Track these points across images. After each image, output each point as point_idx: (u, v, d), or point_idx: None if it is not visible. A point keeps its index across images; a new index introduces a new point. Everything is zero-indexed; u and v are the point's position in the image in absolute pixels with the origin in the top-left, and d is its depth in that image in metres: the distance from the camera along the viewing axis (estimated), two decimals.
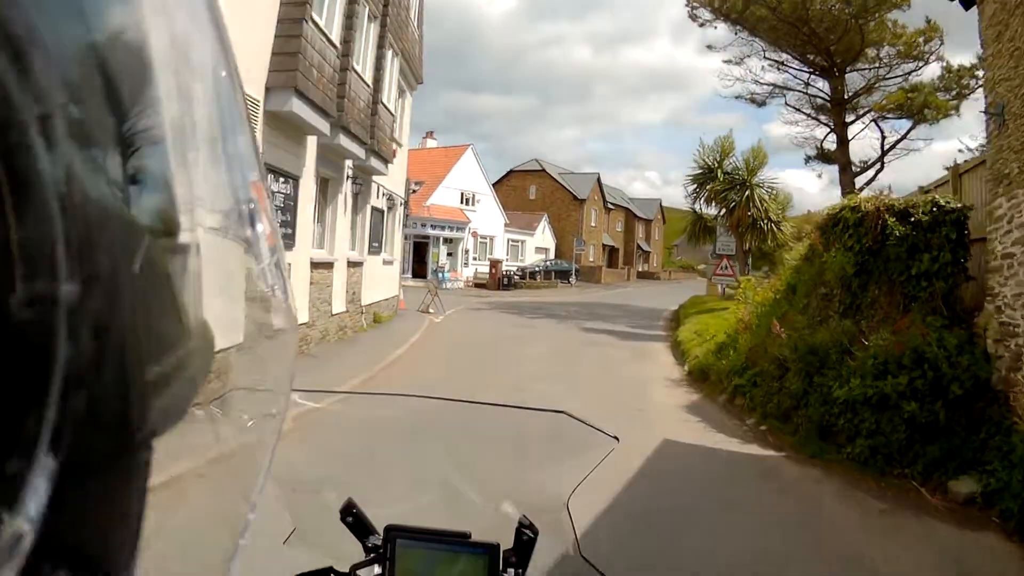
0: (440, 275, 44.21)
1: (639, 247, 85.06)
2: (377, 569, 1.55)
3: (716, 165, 28.14)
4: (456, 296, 37.83)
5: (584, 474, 1.66)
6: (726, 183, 27.42)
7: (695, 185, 29.00)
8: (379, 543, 1.55)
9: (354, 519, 1.58)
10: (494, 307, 31.01)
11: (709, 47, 38.14)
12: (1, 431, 0.31)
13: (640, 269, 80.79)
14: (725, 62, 37.43)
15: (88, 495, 0.37)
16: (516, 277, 48.62)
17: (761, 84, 36.54)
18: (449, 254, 47.54)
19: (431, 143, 53.46)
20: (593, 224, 69.35)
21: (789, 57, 33.72)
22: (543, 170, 68.43)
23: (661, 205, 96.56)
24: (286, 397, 0.64)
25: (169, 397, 0.44)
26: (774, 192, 28.00)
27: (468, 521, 1.54)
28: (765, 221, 26.95)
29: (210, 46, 0.52)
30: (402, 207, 23.31)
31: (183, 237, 0.46)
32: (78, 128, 0.36)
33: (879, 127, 32.29)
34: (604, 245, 73.11)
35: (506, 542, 1.51)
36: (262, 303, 0.59)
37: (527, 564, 1.53)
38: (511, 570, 1.53)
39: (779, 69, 34.76)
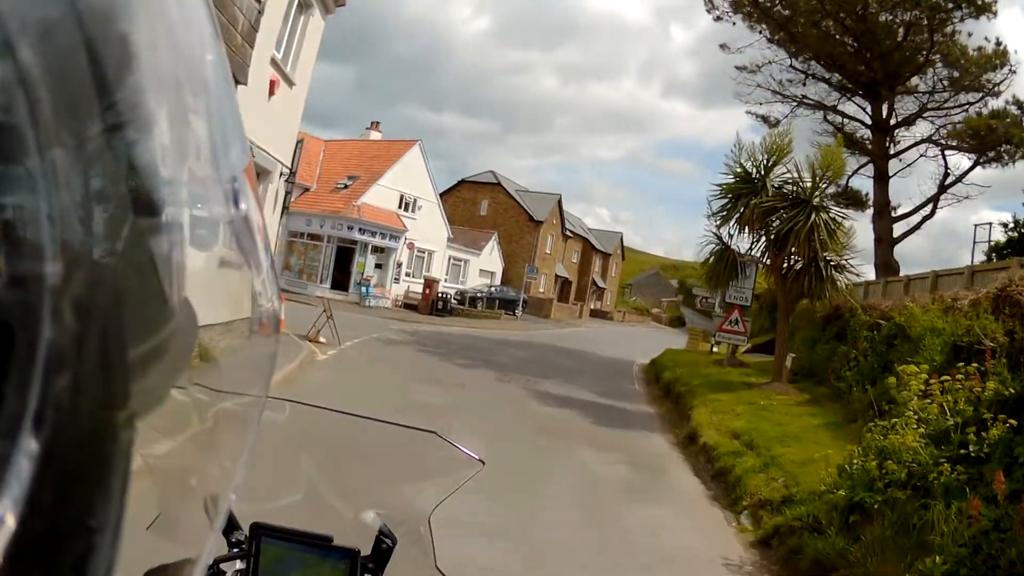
0: (364, 289, 37.10)
1: (594, 282, 78.52)
2: (239, 564, 1.52)
3: (763, 173, 18.52)
4: (375, 317, 31.36)
5: (447, 492, 1.72)
6: (777, 199, 18.01)
7: (727, 199, 18.91)
8: (243, 539, 1.52)
9: None
10: (416, 341, 23.99)
11: (723, 46, 32.40)
12: None
13: (593, 306, 74.16)
14: (739, 68, 32.02)
15: (71, 476, 0.37)
16: (454, 302, 41.80)
17: (784, 98, 30.38)
18: (378, 266, 40.09)
19: (375, 135, 46.10)
20: (548, 251, 62.43)
21: (820, 68, 27.37)
22: (499, 183, 61.34)
23: (622, 240, 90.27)
24: (267, 379, 0.65)
25: (152, 378, 0.45)
26: (840, 221, 18.17)
27: (330, 526, 1.54)
28: (825, 264, 17.83)
29: (197, 26, 0.52)
30: (283, 179, 15.66)
31: (166, 217, 0.46)
32: (62, 108, 0.36)
33: (944, 160, 25.13)
34: (557, 276, 66.24)
35: (365, 549, 1.51)
36: (243, 284, 0.60)
37: (383, 571, 1.54)
38: None
39: (805, 82, 28.43)
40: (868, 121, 28.89)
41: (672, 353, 28.38)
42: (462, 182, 62.68)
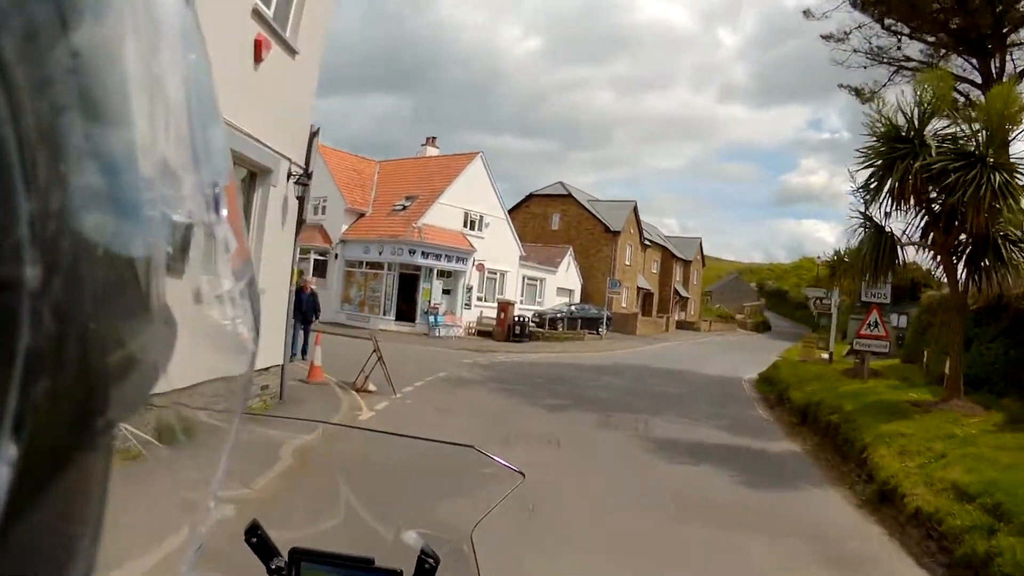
0: (432, 318, 33.47)
1: (676, 292, 73.77)
2: None
3: (916, 127, 13.43)
4: (445, 349, 27.92)
5: (488, 507, 1.66)
6: (946, 158, 12.81)
7: (877, 166, 13.82)
8: (283, 566, 1.50)
9: (258, 540, 1.52)
10: (492, 378, 20.09)
11: (806, 13, 29.53)
12: None
13: (677, 318, 69.42)
14: (825, 37, 29.13)
15: (49, 482, 0.37)
16: (532, 325, 37.94)
17: (883, 62, 26.26)
18: (446, 291, 36.51)
19: (432, 151, 42.60)
20: (628, 263, 58.11)
21: (911, 28, 23.52)
22: (569, 195, 57.36)
23: (701, 245, 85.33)
24: (244, 388, 0.64)
25: (131, 384, 0.44)
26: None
27: (372, 548, 1.53)
28: (1003, 241, 13.09)
29: (177, 24, 0.52)
30: (294, 182, 11.74)
31: (146, 221, 0.46)
32: (43, 112, 0.36)
33: None
34: (639, 288, 61.73)
35: (408, 570, 1.48)
36: (219, 301, 0.60)
37: None
38: None
39: (900, 45, 24.49)
40: (978, 79, 25.20)
41: (787, 366, 24.58)
42: (530, 196, 58.92)
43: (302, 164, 11.70)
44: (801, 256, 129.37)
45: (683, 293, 76.60)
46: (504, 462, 1.73)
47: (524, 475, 1.68)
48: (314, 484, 2.05)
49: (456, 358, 24.52)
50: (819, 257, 74.41)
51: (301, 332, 18.70)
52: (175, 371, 0.51)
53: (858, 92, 29.37)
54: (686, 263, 78.05)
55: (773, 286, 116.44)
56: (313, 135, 11.99)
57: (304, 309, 18.56)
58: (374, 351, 14.15)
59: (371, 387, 13.78)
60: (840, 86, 30.32)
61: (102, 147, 0.41)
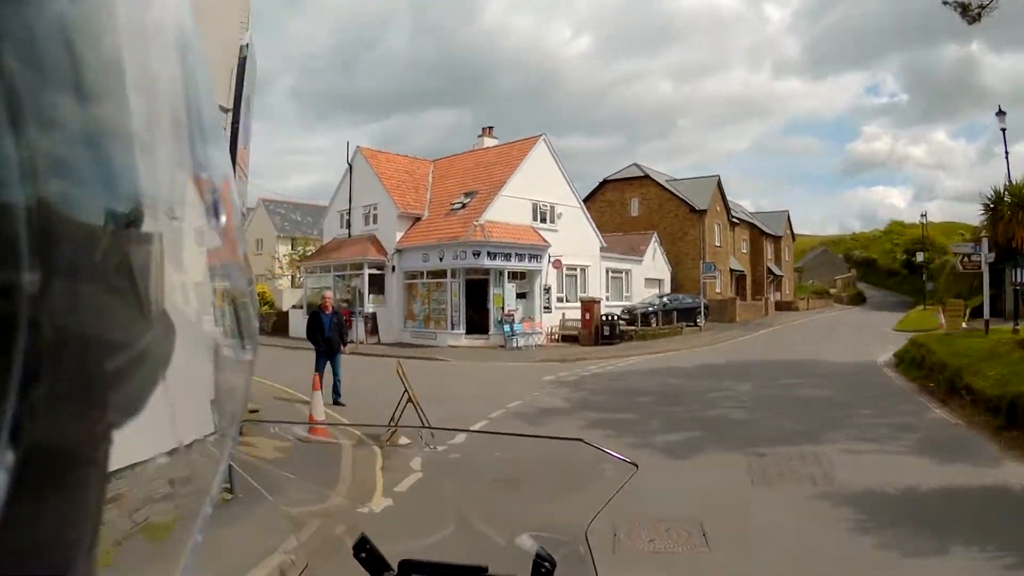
0: (507, 327, 28.79)
1: (770, 271, 67.81)
2: None
3: None
4: (524, 363, 23.79)
5: (602, 503, 1.58)
6: None
7: None
8: None
9: (368, 555, 1.54)
10: (581, 404, 15.35)
11: None
12: None
13: (773, 298, 63.54)
14: None
15: (47, 487, 0.37)
16: (622, 323, 32.94)
17: None
18: (521, 295, 31.95)
19: (489, 142, 38.11)
20: (717, 243, 52.62)
21: None
22: (646, 176, 52.20)
23: (789, 219, 79.01)
24: (243, 395, 0.64)
25: (130, 388, 0.44)
26: None
27: (485, 555, 1.52)
28: None
29: (177, 30, 0.52)
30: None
31: (146, 228, 0.46)
32: (43, 118, 0.36)
33: None
34: (732, 271, 56.09)
35: (523, 575, 1.44)
36: (221, 311, 0.60)
37: None
38: None
39: None
40: None
41: (935, 342, 20.31)
42: (604, 183, 54.10)
43: (226, 105, 7.06)
44: (887, 223, 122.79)
45: (776, 271, 70.87)
46: (615, 454, 1.60)
47: (637, 466, 1.54)
48: (419, 492, 2.11)
49: (536, 375, 20.08)
50: (923, 215, 68.63)
51: (327, 365, 14.41)
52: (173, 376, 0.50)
53: (964, 8, 24.11)
54: (776, 239, 72.24)
55: (861, 256, 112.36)
56: (244, 56, 7.32)
57: (328, 335, 14.28)
58: (404, 392, 9.80)
59: (403, 440, 9.21)
60: (945, 3, 25.06)
61: (102, 154, 0.41)
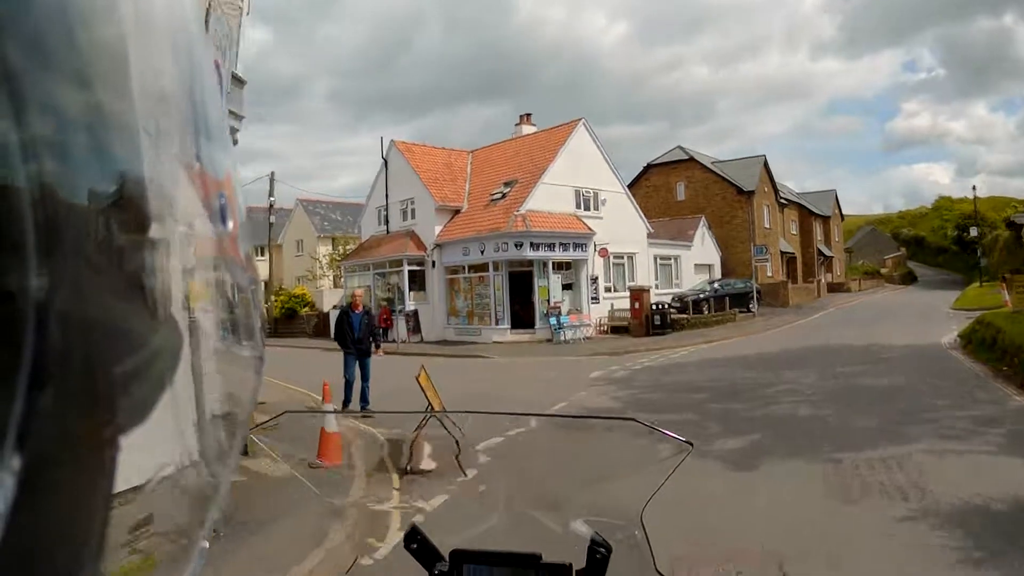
0: (554, 321, 27.56)
1: (820, 252, 65.70)
2: None
3: None
4: (571, 358, 22.70)
5: (657, 484, 1.57)
6: None
7: None
8: (446, 570, 1.50)
9: (419, 545, 1.54)
10: (633, 403, 13.91)
11: None
12: None
13: (824, 280, 61.60)
14: None
15: (54, 492, 0.37)
16: (672, 311, 31.40)
17: None
18: (567, 286, 30.65)
19: (527, 129, 36.80)
20: (767, 225, 50.77)
21: None
22: (691, 159, 50.47)
23: (837, 198, 76.79)
24: (252, 393, 0.65)
25: (138, 393, 0.45)
26: None
27: (538, 542, 1.51)
28: None
29: (182, 28, 0.53)
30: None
31: (153, 233, 0.46)
32: (49, 123, 0.36)
33: None
34: (782, 253, 54.16)
35: (578, 562, 1.43)
36: (230, 316, 0.60)
37: None
38: None
39: None
40: None
41: (1005, 321, 18.67)
42: (648, 168, 52.48)
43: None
44: (932, 200, 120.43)
45: (827, 252, 68.92)
46: (670, 433, 1.59)
47: (692, 445, 1.55)
48: (471, 479, 2.15)
49: (583, 371, 18.80)
50: (973, 188, 66.90)
51: (355, 367, 13.25)
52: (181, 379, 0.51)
53: None
54: (824, 219, 70.27)
55: (909, 234, 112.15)
56: None
57: (358, 335, 13.11)
58: (427, 408, 8.37)
59: (427, 465, 7.65)
60: None
61: (109, 158, 0.41)
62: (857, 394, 13.21)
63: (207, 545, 0.56)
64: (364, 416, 10.83)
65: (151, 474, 0.50)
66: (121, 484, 0.42)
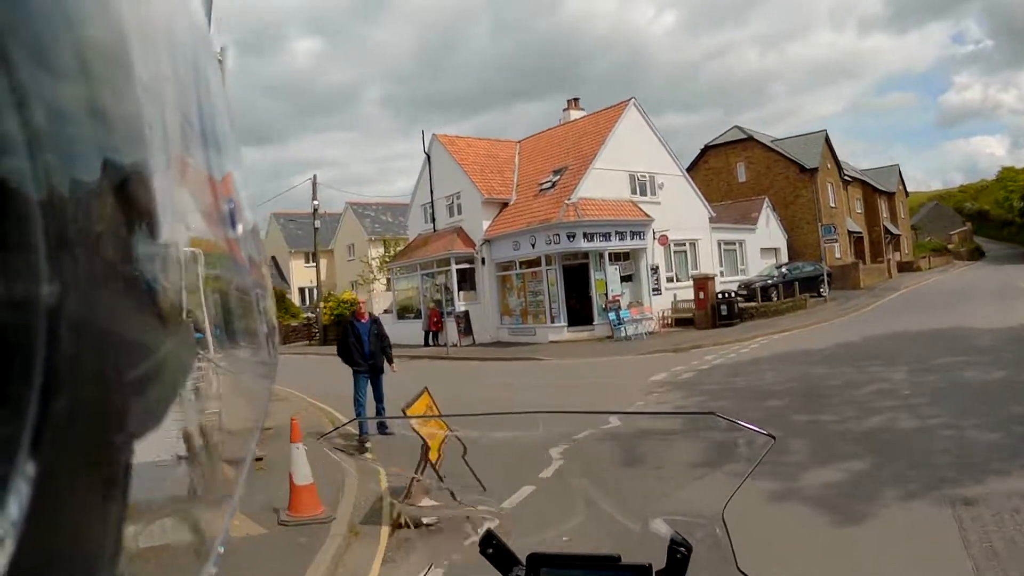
0: (613, 316, 25.68)
1: (887, 230, 62.65)
2: None
3: None
4: (631, 357, 20.84)
5: (739, 480, 1.51)
6: None
7: None
8: (522, 574, 1.49)
9: (495, 550, 1.52)
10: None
11: None
12: None
13: (893, 259, 58.52)
14: None
15: (68, 498, 0.37)
16: (740, 299, 29.16)
17: None
18: (626, 278, 28.66)
19: (576, 114, 34.82)
20: (832, 204, 48.11)
21: None
22: (750, 138, 48.06)
23: (900, 173, 73.41)
24: (265, 397, 0.65)
25: (151, 397, 0.45)
26: None
27: (617, 542, 1.49)
28: None
29: (191, 30, 0.53)
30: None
31: (163, 238, 0.46)
32: (55, 125, 0.36)
33: None
34: (849, 232, 51.40)
35: (658, 562, 1.41)
36: (245, 320, 0.61)
37: None
38: None
39: None
40: None
41: None
42: (706, 150, 50.32)
43: None
44: (994, 172, 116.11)
45: (893, 230, 65.85)
46: (751, 426, 1.52)
47: (775, 438, 1.49)
48: (545, 482, 2.04)
49: (645, 372, 16.84)
50: None
51: (367, 387, 11.36)
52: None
53: None
54: (889, 196, 67.16)
55: (972, 208, 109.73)
56: None
57: (370, 349, 11.30)
58: (422, 452, 5.92)
59: (428, 519, 4.74)
60: None
61: (119, 166, 0.41)
62: (961, 394, 11.09)
63: (222, 550, 0.55)
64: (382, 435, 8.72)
65: (165, 479, 0.49)
66: (134, 490, 0.42)
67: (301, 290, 57.55)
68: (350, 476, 8.13)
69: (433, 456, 5.91)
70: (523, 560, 1.47)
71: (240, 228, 0.55)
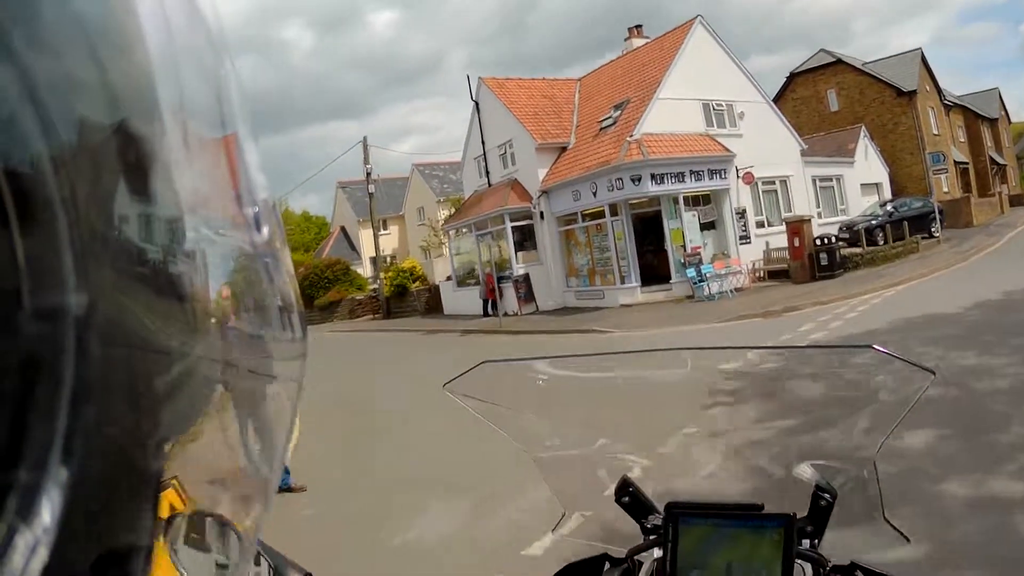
0: (693, 271, 21.79)
1: (992, 159, 56.68)
2: (657, 552, 1.41)
3: None
4: (713, 325, 17.00)
5: (895, 420, 1.42)
6: None
7: None
8: (659, 523, 1.42)
9: (631, 499, 1.48)
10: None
11: None
12: (14, 443, 0.33)
13: (1000, 191, 52.59)
14: None
15: (102, 504, 0.38)
16: (841, 244, 24.73)
17: None
18: (706, 226, 24.55)
19: (638, 42, 30.49)
20: (935, 131, 42.80)
21: None
22: (840, 61, 42.92)
23: (1000, 97, 66.68)
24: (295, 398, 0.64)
25: (182, 403, 0.45)
26: None
27: (759, 491, 1.44)
28: None
29: (208, 36, 0.53)
30: None
31: (189, 243, 0.47)
32: (80, 137, 0.37)
33: None
34: (955, 163, 45.89)
35: (802, 510, 1.34)
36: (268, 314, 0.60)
37: (823, 533, 1.35)
38: (805, 541, 1.35)
39: None
40: None
41: None
42: (792, 77, 45.31)
43: None
44: None
45: (999, 160, 59.63)
46: (910, 359, 1.38)
47: (935, 372, 1.34)
48: (683, 424, 1.76)
49: (713, 360, 12.31)
50: None
51: None
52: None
53: None
54: (992, 122, 60.66)
55: None
56: None
57: None
58: None
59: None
60: None
61: (142, 169, 0.42)
62: None
63: (257, 549, 0.54)
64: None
65: (197, 483, 0.50)
66: (167, 495, 0.43)
67: (372, 259, 55.30)
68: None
69: None
70: (660, 509, 1.40)
71: (266, 230, 0.54)
